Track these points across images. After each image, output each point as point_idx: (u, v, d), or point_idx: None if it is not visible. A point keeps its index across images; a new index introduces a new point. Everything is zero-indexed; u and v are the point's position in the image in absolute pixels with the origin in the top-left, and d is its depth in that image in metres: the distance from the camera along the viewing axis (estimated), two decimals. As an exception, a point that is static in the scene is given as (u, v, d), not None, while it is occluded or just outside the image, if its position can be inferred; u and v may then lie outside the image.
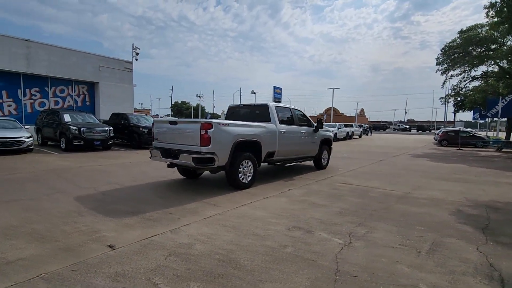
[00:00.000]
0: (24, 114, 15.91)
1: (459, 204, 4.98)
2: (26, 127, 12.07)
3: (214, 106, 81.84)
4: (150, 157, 6.15)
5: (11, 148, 10.19)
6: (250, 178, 5.92)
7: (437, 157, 13.07)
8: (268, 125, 6.48)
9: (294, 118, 7.49)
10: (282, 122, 7.01)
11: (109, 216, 3.98)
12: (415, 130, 61.39)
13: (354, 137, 28.82)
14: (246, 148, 5.87)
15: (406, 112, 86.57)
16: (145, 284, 2.33)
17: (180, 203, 4.68)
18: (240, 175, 5.68)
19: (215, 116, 71.45)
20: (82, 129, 11.48)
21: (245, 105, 7.67)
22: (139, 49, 20.75)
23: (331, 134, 9.21)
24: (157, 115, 73.13)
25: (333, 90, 50.63)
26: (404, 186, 6.38)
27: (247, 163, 5.84)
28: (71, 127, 11.43)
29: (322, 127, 8.28)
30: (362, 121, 67.10)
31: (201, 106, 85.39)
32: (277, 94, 62.25)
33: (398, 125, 66.07)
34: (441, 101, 23.52)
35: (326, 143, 8.84)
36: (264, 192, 5.56)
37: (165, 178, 6.80)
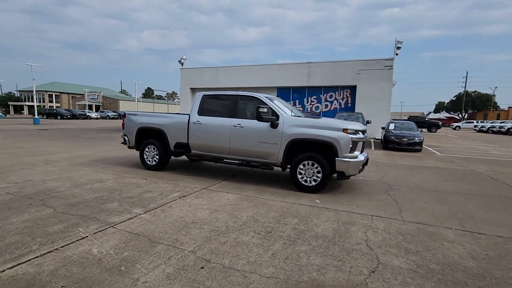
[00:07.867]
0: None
1: None
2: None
3: None
4: None
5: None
6: (155, 162, 6.67)
7: None
8: (177, 115, 6.39)
9: (233, 108, 5.87)
10: (209, 112, 6.18)
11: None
12: None
13: None
14: (152, 135, 6.74)
15: None
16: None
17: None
18: (145, 157, 6.80)
19: None
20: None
21: None
22: (401, 42, 18.16)
23: (326, 133, 4.57)
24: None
25: None
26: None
27: (152, 149, 6.68)
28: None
29: (261, 119, 5.07)
30: None
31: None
32: None
33: None
34: None
35: (315, 148, 5.14)
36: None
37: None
